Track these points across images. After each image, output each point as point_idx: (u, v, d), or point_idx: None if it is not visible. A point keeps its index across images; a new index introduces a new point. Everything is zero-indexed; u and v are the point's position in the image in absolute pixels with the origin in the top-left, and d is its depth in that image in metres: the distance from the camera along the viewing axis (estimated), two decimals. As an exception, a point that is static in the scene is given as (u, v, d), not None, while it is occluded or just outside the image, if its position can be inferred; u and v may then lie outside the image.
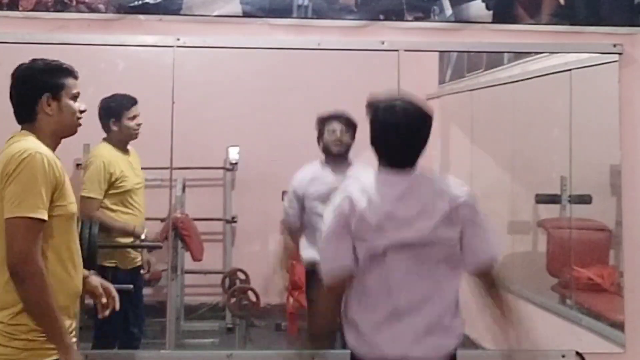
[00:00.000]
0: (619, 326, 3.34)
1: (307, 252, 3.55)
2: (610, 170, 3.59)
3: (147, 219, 4.32)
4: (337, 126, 3.48)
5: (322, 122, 3.53)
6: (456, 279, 2.41)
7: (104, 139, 3.69)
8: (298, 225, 3.63)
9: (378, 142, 2.33)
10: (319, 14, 3.25)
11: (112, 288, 2.40)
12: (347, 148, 3.51)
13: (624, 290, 3.35)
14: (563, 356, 3.29)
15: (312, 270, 3.54)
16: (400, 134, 2.28)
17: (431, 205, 2.28)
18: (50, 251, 2.13)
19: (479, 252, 2.33)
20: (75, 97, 2.32)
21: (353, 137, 3.50)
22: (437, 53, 4.41)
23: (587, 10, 3.34)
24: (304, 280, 3.83)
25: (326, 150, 3.53)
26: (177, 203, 4.55)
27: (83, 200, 3.47)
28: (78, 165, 4.68)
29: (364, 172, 2.44)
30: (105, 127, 3.66)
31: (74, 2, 3.18)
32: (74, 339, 2.21)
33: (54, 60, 2.31)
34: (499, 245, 2.45)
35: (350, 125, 3.47)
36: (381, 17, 3.28)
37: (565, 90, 3.69)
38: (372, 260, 2.30)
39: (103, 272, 3.39)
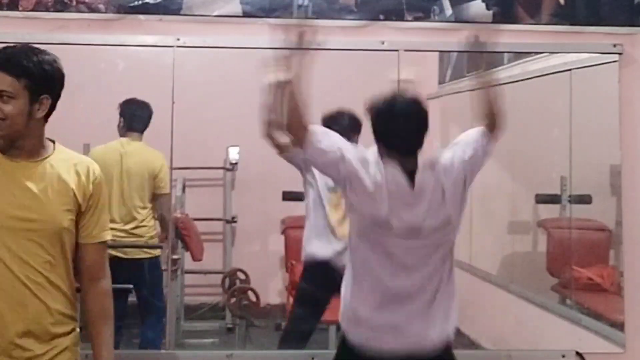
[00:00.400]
0: (619, 326, 3.34)
1: (310, 246, 3.52)
2: (610, 170, 3.58)
3: (147, 219, 4.32)
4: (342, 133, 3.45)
5: (327, 123, 3.51)
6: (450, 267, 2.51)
7: (138, 137, 3.90)
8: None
9: (386, 132, 2.42)
10: (319, 14, 3.25)
11: None
12: None
13: (624, 290, 3.35)
14: (563, 356, 3.28)
15: (310, 266, 3.54)
16: (408, 119, 2.40)
17: (436, 201, 2.40)
18: None
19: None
20: None
21: (357, 135, 3.44)
22: (437, 53, 4.41)
23: (587, 10, 3.33)
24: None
25: None
26: (177, 203, 4.55)
27: (168, 197, 3.77)
28: (78, 165, 4.68)
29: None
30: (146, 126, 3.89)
31: (74, 2, 3.18)
32: None
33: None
34: None
35: (355, 128, 3.44)
36: (381, 17, 3.28)
37: (565, 90, 3.69)
38: (373, 247, 2.41)
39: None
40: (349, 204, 2.47)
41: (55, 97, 2.05)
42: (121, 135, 3.94)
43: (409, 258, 2.40)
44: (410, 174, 2.40)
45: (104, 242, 2.13)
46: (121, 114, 3.94)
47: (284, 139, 2.60)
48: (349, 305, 2.47)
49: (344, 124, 3.44)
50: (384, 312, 2.40)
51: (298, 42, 2.41)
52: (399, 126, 2.40)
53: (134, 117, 3.90)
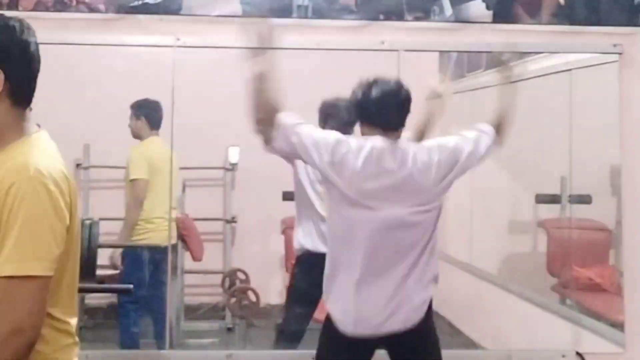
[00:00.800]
0: (619, 326, 3.34)
1: (303, 240, 3.44)
2: (610, 170, 3.59)
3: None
4: (339, 126, 3.40)
5: (326, 111, 3.48)
6: (428, 246, 2.52)
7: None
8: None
9: (367, 109, 2.51)
10: (319, 14, 3.25)
11: None
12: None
13: (624, 290, 3.35)
14: (563, 356, 3.29)
15: (301, 257, 3.46)
16: (388, 97, 2.49)
17: (418, 184, 2.45)
18: None
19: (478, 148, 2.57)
20: None
21: (353, 128, 3.43)
22: (437, 53, 4.41)
23: (587, 10, 3.34)
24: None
25: None
26: (177, 203, 4.55)
27: None
28: (78, 165, 4.70)
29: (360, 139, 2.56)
30: None
31: (74, 2, 3.18)
32: None
33: None
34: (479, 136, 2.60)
35: (352, 119, 3.41)
36: (381, 17, 3.28)
37: (565, 90, 3.69)
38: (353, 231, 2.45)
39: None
40: (327, 190, 2.53)
41: (16, 72, 1.66)
42: (144, 135, 4.02)
43: (382, 238, 2.44)
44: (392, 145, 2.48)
45: (7, 278, 1.49)
46: (143, 114, 3.98)
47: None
48: (326, 284, 2.54)
49: (341, 113, 3.42)
50: (356, 291, 2.45)
51: (259, 41, 2.47)
52: (379, 103, 2.48)
53: (155, 117, 3.98)
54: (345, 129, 3.39)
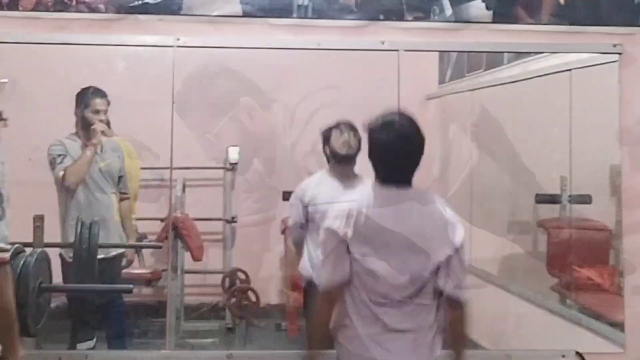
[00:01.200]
0: (619, 326, 3.34)
1: (308, 268, 3.39)
2: (610, 170, 3.59)
3: (147, 219, 4.33)
4: (344, 129, 3.34)
5: (328, 130, 3.39)
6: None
7: None
8: (304, 235, 3.45)
9: (375, 159, 2.41)
10: (319, 14, 3.25)
11: None
12: (355, 153, 3.34)
13: (624, 290, 3.35)
14: (563, 356, 3.29)
15: (310, 287, 3.33)
16: (397, 152, 2.37)
17: (428, 241, 2.41)
18: None
19: (451, 285, 2.40)
20: None
21: (359, 146, 3.32)
22: (437, 53, 4.42)
23: (587, 10, 3.34)
24: (302, 296, 3.65)
25: (333, 156, 3.38)
26: (177, 203, 4.55)
27: None
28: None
29: (364, 189, 2.48)
30: None
31: (74, 2, 3.18)
32: None
33: None
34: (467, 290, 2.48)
35: (357, 132, 3.32)
36: (381, 17, 3.28)
37: (565, 90, 3.69)
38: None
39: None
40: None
41: None
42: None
43: (392, 294, 2.38)
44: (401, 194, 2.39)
45: None
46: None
47: None
48: (340, 340, 2.47)
49: (346, 129, 3.35)
50: (372, 345, 2.39)
51: None
52: (388, 156, 2.39)
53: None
54: None
